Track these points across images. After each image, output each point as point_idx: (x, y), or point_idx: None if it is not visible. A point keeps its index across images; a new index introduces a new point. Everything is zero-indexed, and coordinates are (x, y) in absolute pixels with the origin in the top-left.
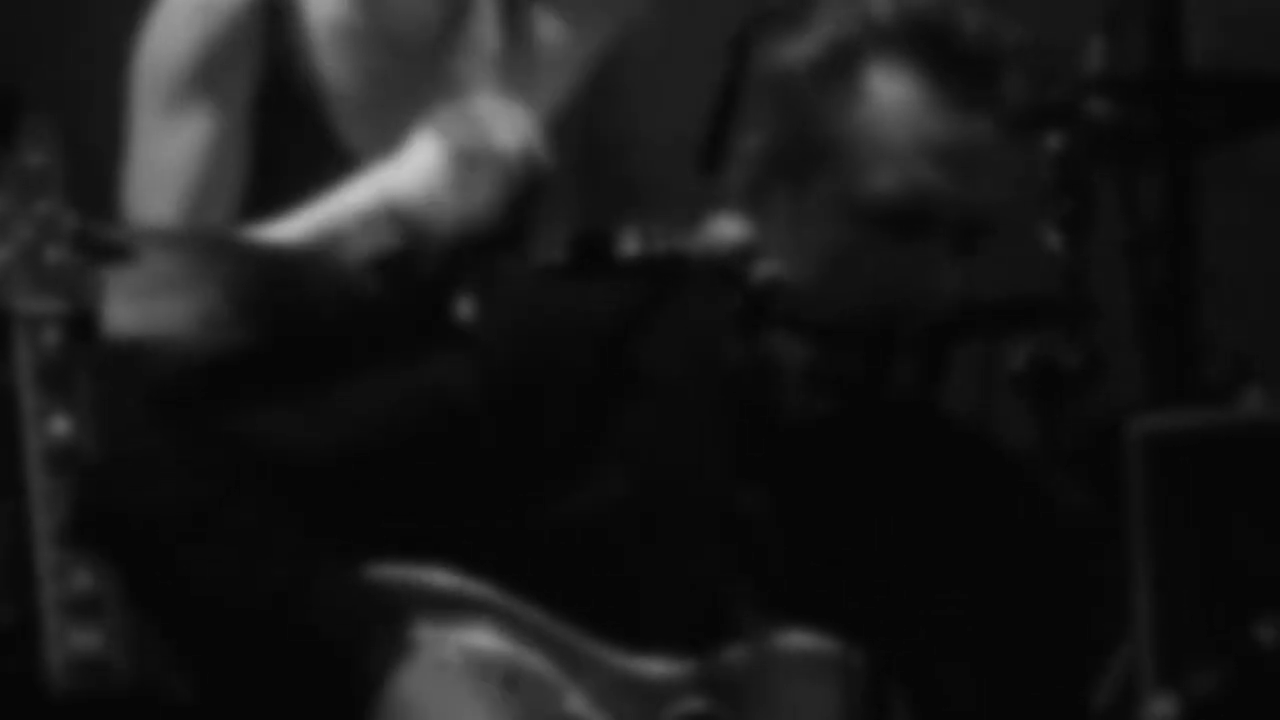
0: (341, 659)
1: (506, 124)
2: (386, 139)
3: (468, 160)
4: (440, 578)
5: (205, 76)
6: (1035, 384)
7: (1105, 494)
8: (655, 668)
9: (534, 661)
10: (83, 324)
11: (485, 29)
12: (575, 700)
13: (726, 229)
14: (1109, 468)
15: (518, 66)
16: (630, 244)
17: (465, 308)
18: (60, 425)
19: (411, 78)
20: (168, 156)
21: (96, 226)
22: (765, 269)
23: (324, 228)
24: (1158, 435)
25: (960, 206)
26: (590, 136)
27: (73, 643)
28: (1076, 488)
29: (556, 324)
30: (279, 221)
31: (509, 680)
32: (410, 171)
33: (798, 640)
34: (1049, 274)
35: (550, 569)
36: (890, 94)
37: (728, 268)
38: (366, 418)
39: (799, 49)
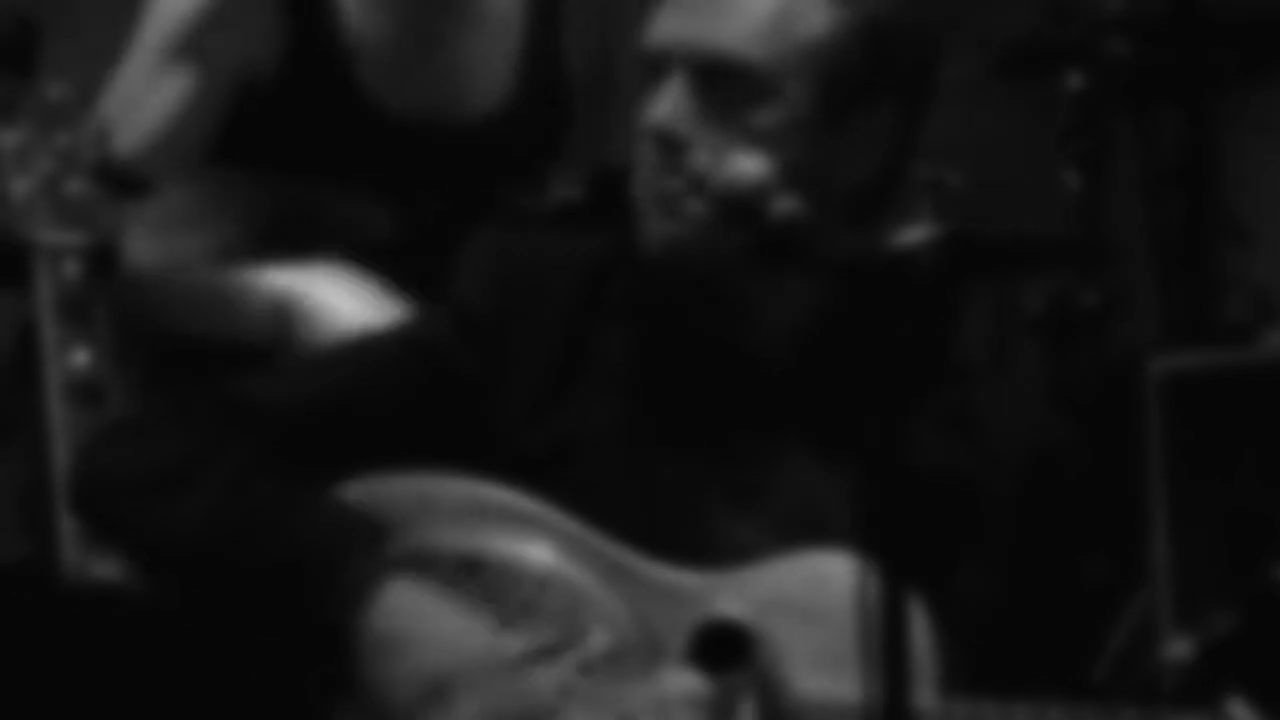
0: (319, 577)
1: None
2: (415, 92)
3: None
4: (498, 493)
5: (206, 33)
6: (1052, 324)
7: (1121, 434)
8: (688, 577)
9: (582, 577)
10: (103, 256)
11: None
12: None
13: (746, 165)
14: (1125, 408)
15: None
16: (647, 246)
17: None
18: (80, 357)
19: (439, 20)
20: (141, 100)
21: (116, 159)
22: (784, 205)
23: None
24: (1176, 375)
25: (692, 47)
26: (606, 69)
27: (91, 573)
28: (1058, 421)
29: (532, 261)
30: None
31: (542, 585)
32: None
33: (831, 559)
34: (1066, 213)
35: (533, 491)
36: None
37: (747, 204)
38: (347, 366)
39: None
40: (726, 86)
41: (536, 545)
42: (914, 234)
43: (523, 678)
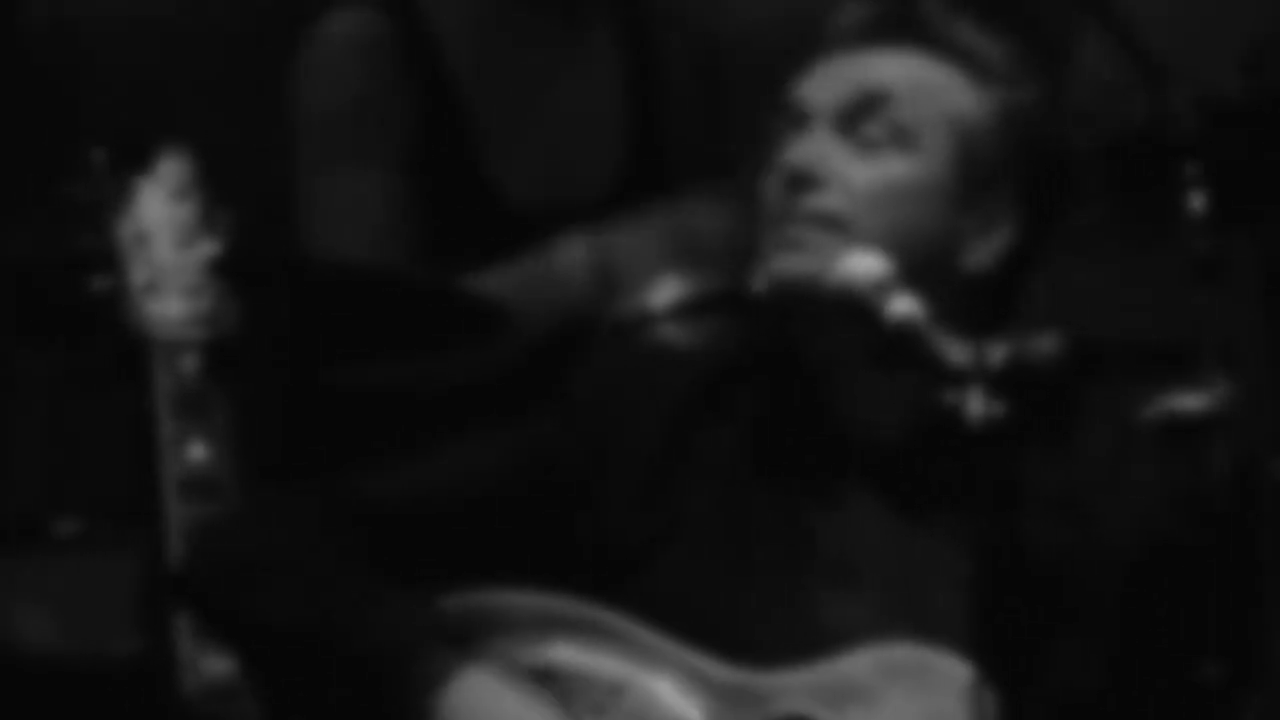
0: (392, 675)
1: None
2: (532, 176)
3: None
4: (568, 604)
5: (370, 116)
6: (1170, 428)
7: (1242, 537)
8: (760, 677)
9: (653, 682)
10: (221, 351)
11: (601, 51)
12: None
13: (864, 262)
14: (1246, 511)
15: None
16: (762, 280)
17: None
18: (197, 452)
19: (543, 108)
20: (348, 205)
21: (235, 254)
22: (902, 305)
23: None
24: None
25: (840, 90)
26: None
27: (206, 670)
28: (1174, 520)
29: (644, 363)
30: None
31: (614, 690)
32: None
33: (903, 652)
34: (1184, 317)
35: (633, 581)
36: None
37: (864, 302)
38: (457, 461)
39: None
40: (871, 123)
41: (608, 653)
42: (1039, 342)
43: None
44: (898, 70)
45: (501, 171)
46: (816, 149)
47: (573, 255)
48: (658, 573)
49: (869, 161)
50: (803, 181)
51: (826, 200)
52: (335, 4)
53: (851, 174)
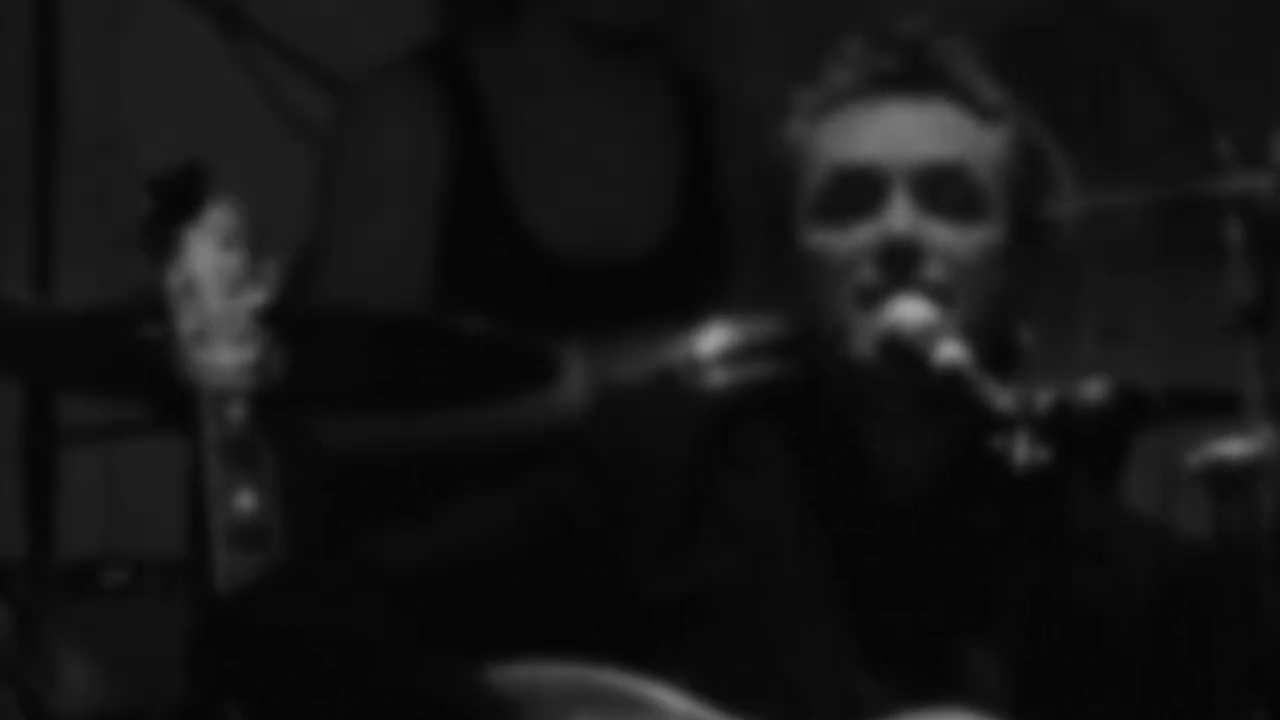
0: None
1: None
2: (576, 231)
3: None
4: (603, 676)
5: (405, 176)
6: (1219, 476)
7: None
8: None
9: None
10: (269, 399)
11: (651, 125)
12: None
13: (911, 310)
14: None
15: None
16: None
17: None
18: (245, 500)
19: (593, 164)
20: (376, 256)
21: (282, 301)
22: (948, 351)
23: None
24: None
25: (912, 157)
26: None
27: None
28: (1214, 563)
29: (658, 413)
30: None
31: None
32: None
33: (949, 717)
34: (1231, 365)
35: (663, 645)
36: None
37: (911, 349)
38: (473, 523)
39: None
40: (950, 192)
41: None
42: (1086, 388)
43: None
44: (955, 130)
45: (541, 224)
46: (910, 219)
47: (571, 393)
48: (688, 638)
49: (957, 231)
50: (908, 253)
51: (933, 271)
52: (381, 66)
53: (947, 244)
